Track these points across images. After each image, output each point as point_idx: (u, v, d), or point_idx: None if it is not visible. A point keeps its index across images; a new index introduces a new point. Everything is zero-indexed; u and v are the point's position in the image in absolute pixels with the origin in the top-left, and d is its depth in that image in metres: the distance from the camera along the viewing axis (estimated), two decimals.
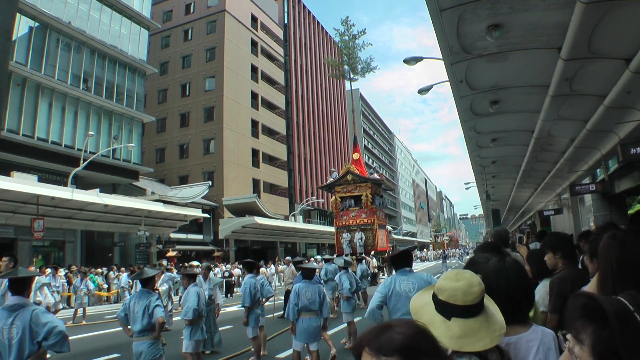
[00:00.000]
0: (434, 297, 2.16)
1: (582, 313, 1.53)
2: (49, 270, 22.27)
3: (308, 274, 8.79)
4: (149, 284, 7.45)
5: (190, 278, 9.42)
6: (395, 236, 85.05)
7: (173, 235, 42.66)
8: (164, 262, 30.38)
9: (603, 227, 5.02)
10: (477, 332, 2.03)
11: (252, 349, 10.39)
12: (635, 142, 10.97)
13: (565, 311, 1.63)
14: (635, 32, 6.44)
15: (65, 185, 30.35)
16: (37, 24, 32.70)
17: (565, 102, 9.36)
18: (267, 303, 11.77)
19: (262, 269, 24.25)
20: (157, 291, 16.38)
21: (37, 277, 13.60)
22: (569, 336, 1.57)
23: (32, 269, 17.10)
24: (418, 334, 1.43)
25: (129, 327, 7.24)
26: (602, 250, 2.70)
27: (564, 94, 8.82)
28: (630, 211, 21.93)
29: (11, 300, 4.94)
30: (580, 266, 5.15)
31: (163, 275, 19.47)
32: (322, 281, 15.20)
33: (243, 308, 10.18)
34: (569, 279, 3.87)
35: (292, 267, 19.49)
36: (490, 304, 2.19)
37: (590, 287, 2.90)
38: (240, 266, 36.03)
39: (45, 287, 14.32)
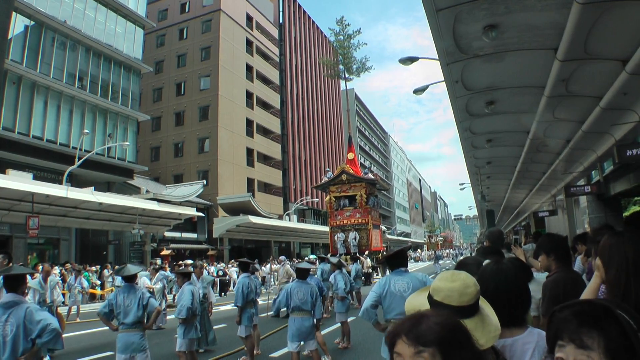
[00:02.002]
0: (430, 297, 2.16)
1: (581, 320, 1.48)
2: (57, 269, 22.27)
3: (302, 274, 8.77)
4: (132, 279, 7.61)
5: (185, 277, 9.41)
6: (389, 236, 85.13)
7: (167, 234, 42.61)
8: (158, 261, 30.33)
9: (599, 228, 4.97)
10: (473, 333, 2.01)
11: (245, 348, 10.36)
12: (632, 143, 10.99)
13: (553, 327, 1.57)
14: (632, 33, 6.45)
15: (60, 183, 30.25)
16: (32, 23, 32.59)
17: (561, 103, 9.38)
18: (261, 302, 11.76)
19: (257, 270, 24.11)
20: (151, 290, 16.42)
21: (50, 277, 13.59)
22: (563, 353, 1.51)
23: (53, 267, 16.90)
24: (456, 326, 1.45)
25: (114, 322, 7.41)
26: (612, 248, 2.59)
27: (560, 95, 8.84)
28: (626, 213, 21.98)
29: (5, 298, 4.93)
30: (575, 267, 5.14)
31: (157, 274, 19.42)
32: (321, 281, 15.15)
33: (236, 307, 10.17)
34: (562, 282, 3.81)
35: (287, 266, 19.53)
36: (485, 305, 2.19)
37: (590, 290, 2.80)
38: (237, 265, 36.07)
39: (57, 287, 14.32)
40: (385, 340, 1.48)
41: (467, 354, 1.43)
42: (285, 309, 8.68)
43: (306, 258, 30.61)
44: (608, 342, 1.40)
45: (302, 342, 8.46)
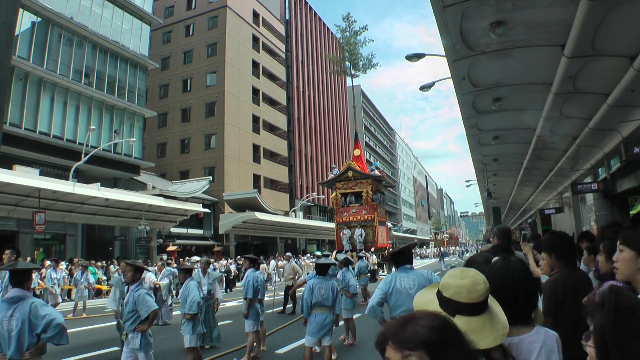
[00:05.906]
0: (439, 294, 2.15)
1: (598, 303, 1.49)
2: (63, 265, 22.36)
3: (322, 270, 8.73)
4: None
5: (187, 272, 9.40)
6: (395, 233, 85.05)
7: (173, 230, 42.70)
8: (164, 257, 30.39)
9: (608, 226, 4.85)
10: (481, 330, 2.02)
11: (252, 344, 10.33)
12: (639, 140, 10.94)
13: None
14: None
15: (67, 179, 30.35)
16: (39, 19, 32.68)
17: (568, 100, 9.35)
18: (266, 298, 11.75)
19: (263, 265, 24.10)
20: (157, 285, 16.43)
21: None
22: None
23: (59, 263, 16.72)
24: (443, 326, 1.41)
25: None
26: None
27: (567, 92, 8.80)
28: (633, 211, 21.78)
29: (11, 293, 4.95)
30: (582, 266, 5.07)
31: (164, 269, 19.46)
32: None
33: (243, 301, 10.18)
34: (561, 282, 3.72)
35: (293, 262, 19.52)
36: (493, 303, 2.19)
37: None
38: (234, 262, 36.18)
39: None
40: (375, 346, 1.46)
41: (458, 354, 1.39)
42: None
43: (308, 255, 30.61)
44: (596, 325, 1.42)
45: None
